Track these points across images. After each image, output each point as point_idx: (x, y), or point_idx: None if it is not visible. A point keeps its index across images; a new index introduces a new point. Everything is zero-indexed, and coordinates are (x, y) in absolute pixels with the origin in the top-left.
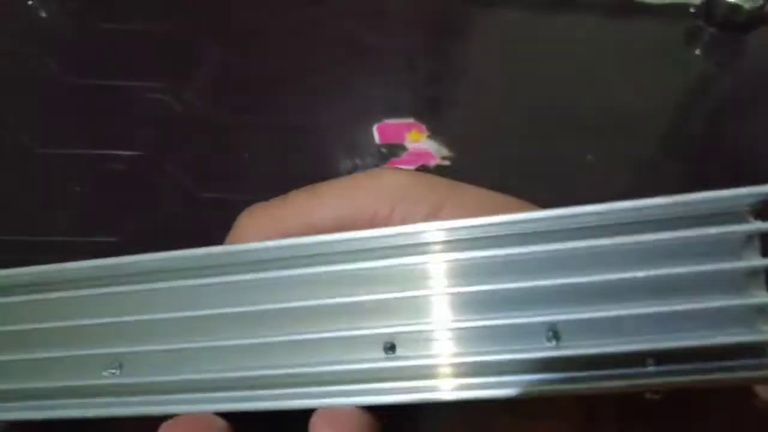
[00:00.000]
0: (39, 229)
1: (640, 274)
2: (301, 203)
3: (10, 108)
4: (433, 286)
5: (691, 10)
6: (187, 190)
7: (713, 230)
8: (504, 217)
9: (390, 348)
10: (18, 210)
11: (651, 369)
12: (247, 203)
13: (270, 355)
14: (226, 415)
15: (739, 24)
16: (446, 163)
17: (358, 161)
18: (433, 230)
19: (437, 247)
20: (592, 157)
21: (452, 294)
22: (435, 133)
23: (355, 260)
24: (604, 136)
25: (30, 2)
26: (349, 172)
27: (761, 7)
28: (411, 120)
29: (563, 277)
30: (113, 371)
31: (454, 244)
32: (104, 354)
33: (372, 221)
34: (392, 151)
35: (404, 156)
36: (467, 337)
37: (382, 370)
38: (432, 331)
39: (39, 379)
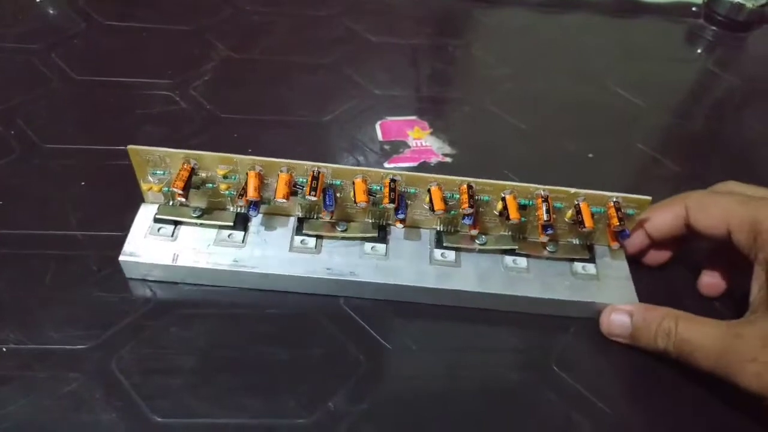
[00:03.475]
0: (45, 224)
1: None
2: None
3: (17, 103)
4: None
5: (693, 9)
6: None
7: None
8: None
9: None
10: (24, 204)
11: None
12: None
13: None
14: None
15: (741, 23)
16: (448, 160)
17: (360, 158)
18: None
19: None
20: (592, 155)
21: None
22: (437, 130)
23: None
24: (604, 134)
25: None
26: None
27: (763, 6)
28: (413, 117)
29: None
30: None
31: None
32: None
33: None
34: (395, 147)
35: (407, 153)
36: None
37: None
38: None
39: None
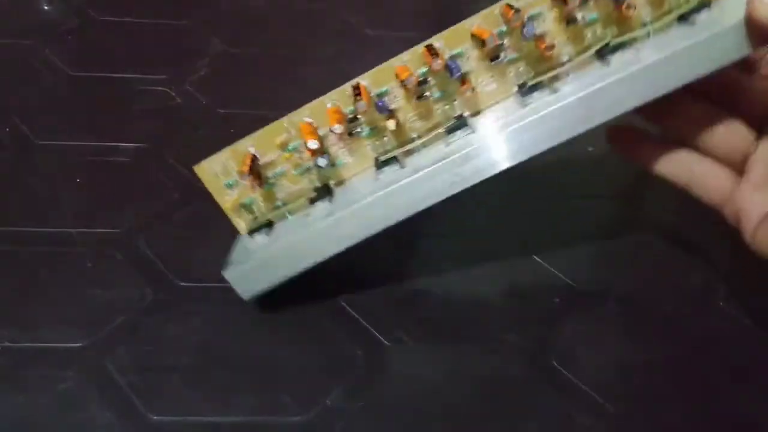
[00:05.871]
0: (39, 220)
1: None
2: None
3: (10, 99)
4: None
5: None
6: (188, 182)
7: None
8: None
9: None
10: (18, 201)
11: None
12: None
13: None
14: None
15: None
16: None
17: None
18: None
19: None
20: (593, 149)
21: None
22: None
23: None
24: (605, 125)
25: None
26: None
27: None
28: None
29: None
30: None
31: None
32: None
33: None
34: None
35: None
36: None
37: None
38: None
39: None
